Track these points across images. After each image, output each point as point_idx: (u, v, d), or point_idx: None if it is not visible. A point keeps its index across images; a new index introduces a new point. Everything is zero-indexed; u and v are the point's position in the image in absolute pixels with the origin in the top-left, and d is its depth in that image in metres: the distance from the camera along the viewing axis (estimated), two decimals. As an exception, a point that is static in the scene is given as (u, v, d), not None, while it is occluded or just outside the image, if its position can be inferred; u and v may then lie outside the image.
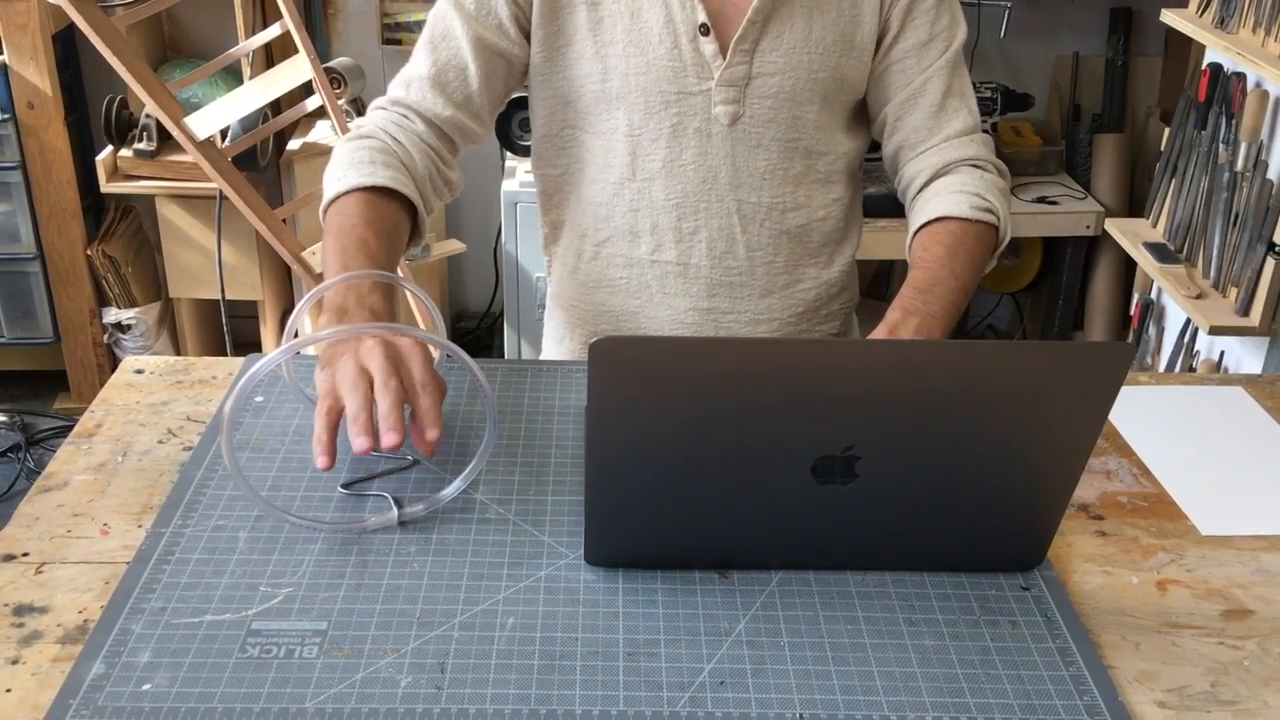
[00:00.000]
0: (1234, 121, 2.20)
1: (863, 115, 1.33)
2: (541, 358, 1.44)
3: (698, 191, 1.26)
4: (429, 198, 1.23)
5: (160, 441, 1.07)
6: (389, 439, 0.91)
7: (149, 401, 1.13)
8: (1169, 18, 2.31)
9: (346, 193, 1.15)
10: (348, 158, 1.18)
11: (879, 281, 3.10)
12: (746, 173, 1.26)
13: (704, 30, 1.20)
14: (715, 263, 1.29)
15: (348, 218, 1.13)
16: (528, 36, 1.25)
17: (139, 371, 1.18)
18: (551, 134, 1.31)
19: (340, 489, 1.00)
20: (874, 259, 2.87)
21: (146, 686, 0.80)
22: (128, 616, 0.85)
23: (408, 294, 1.12)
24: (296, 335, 1.03)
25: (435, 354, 1.14)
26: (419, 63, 1.25)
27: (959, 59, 1.27)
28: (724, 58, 1.21)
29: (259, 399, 1.12)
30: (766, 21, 1.21)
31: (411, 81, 1.24)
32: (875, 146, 1.35)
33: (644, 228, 1.29)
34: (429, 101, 1.23)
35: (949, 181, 1.26)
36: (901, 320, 1.13)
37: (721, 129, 1.24)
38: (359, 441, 0.91)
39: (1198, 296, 2.19)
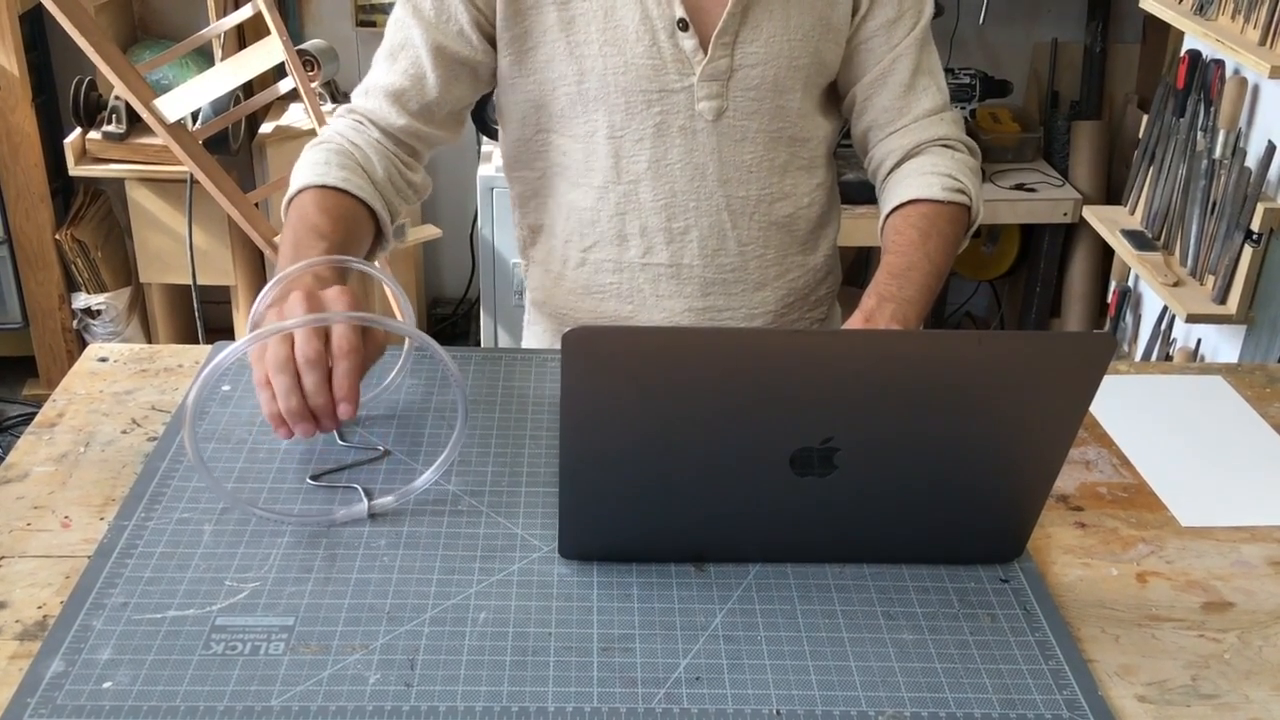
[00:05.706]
0: (1212, 109, 2.20)
1: (835, 95, 1.31)
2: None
3: (686, 190, 1.24)
4: (391, 199, 1.21)
5: (124, 432, 1.05)
6: (300, 429, 0.93)
7: (112, 390, 1.11)
8: (1148, 4, 2.30)
9: (300, 191, 1.15)
10: (304, 161, 1.18)
11: (857, 268, 3.09)
12: (733, 167, 1.24)
13: (682, 25, 1.18)
14: (708, 261, 1.27)
15: (300, 210, 1.13)
16: (492, 42, 1.22)
17: (103, 360, 1.16)
18: (525, 138, 1.28)
19: (308, 480, 0.98)
20: (853, 246, 2.86)
21: (107, 684, 0.78)
22: (88, 612, 0.83)
23: (381, 281, 1.11)
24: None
25: (405, 343, 1.12)
26: (378, 72, 1.24)
27: (927, 35, 1.26)
28: (705, 53, 1.19)
29: (226, 388, 1.10)
30: (745, 13, 1.18)
31: (370, 90, 1.24)
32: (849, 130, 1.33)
33: (633, 231, 1.27)
34: (384, 111, 1.22)
35: (920, 163, 1.25)
36: (877, 307, 1.12)
37: (706, 125, 1.22)
38: (280, 433, 0.94)
39: (1175, 284, 2.19)
